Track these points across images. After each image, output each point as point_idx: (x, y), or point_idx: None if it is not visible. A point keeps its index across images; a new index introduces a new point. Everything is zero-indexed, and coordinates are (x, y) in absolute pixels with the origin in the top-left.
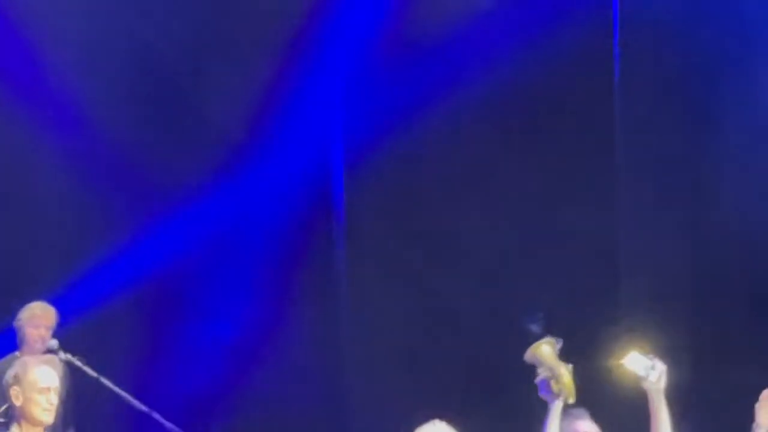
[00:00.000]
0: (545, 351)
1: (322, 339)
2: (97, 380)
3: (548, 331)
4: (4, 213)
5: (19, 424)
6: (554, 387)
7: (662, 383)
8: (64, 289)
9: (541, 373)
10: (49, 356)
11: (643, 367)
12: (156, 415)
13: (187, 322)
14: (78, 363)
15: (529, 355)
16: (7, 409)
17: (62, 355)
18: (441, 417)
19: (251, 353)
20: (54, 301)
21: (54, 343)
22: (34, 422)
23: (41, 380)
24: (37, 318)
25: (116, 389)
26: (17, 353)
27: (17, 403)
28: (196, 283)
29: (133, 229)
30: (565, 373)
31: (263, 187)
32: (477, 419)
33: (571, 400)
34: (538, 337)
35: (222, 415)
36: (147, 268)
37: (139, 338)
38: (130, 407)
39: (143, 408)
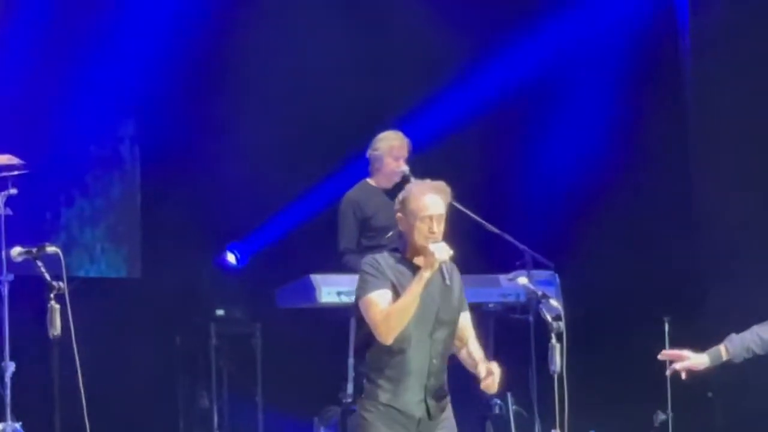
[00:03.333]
0: None
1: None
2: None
3: None
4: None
5: (404, 251)
6: None
7: None
8: (414, 117)
9: None
10: (437, 183)
11: None
12: (508, 237)
13: (533, 143)
14: None
15: None
16: (394, 233)
17: (412, 180)
18: None
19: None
20: (403, 129)
21: (406, 168)
22: (416, 249)
23: (424, 208)
24: (397, 149)
25: (468, 212)
26: (368, 180)
27: (402, 228)
28: (544, 102)
29: (480, 51)
30: None
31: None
32: None
33: None
34: None
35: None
36: (493, 89)
37: (487, 162)
38: (485, 230)
39: (496, 230)
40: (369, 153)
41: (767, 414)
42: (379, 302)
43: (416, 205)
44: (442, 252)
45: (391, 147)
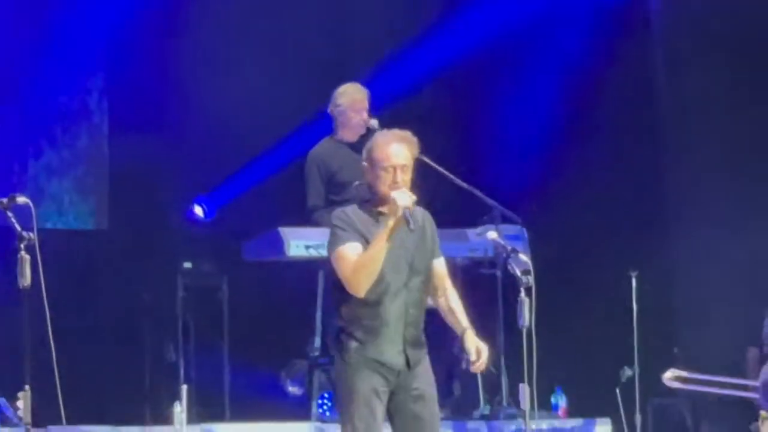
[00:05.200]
0: None
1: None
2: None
3: None
4: None
5: (372, 202)
6: None
7: None
8: (381, 71)
9: None
10: (402, 133)
11: None
12: (476, 191)
13: (501, 97)
14: None
15: None
16: (358, 185)
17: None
18: None
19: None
20: (371, 84)
21: (375, 122)
22: (381, 199)
23: (387, 158)
24: (359, 102)
25: (436, 166)
26: (332, 135)
27: (368, 179)
28: (511, 57)
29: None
30: None
31: None
32: None
33: None
34: None
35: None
36: (461, 44)
37: (455, 117)
38: (453, 184)
39: (464, 185)
40: (331, 109)
41: (730, 370)
42: (349, 255)
43: (380, 154)
44: (404, 198)
45: (353, 100)
